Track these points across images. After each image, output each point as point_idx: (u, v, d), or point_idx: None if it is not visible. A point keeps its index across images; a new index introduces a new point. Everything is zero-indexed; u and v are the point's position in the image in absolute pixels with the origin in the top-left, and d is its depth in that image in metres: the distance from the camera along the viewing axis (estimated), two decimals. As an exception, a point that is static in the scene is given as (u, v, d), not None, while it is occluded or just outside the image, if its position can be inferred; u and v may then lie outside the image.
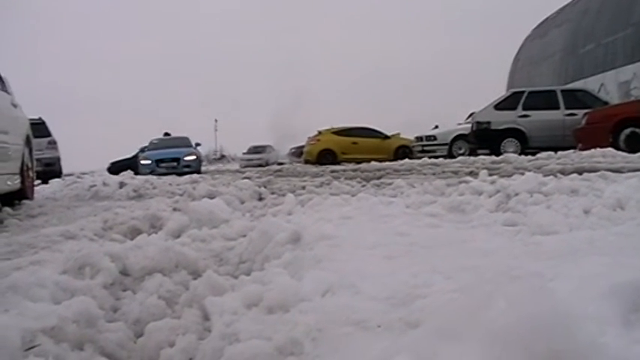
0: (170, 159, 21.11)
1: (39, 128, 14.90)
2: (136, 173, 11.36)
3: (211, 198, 5.38)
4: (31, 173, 7.74)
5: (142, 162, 21.24)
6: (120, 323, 2.05)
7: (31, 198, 7.46)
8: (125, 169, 12.87)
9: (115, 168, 21.08)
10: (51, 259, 2.85)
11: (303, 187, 7.36)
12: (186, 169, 19.86)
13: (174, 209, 5.31)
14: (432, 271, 1.87)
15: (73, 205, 6.84)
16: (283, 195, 6.34)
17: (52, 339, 1.72)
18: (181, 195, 7.16)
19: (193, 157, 21.61)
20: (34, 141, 8.31)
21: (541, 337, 0.99)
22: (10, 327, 1.60)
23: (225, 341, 1.51)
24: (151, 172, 18.91)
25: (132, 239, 3.66)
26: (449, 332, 1.23)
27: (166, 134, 24.78)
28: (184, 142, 23.23)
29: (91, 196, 8.46)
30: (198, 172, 19.85)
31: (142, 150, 25.39)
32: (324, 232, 2.77)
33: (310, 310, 1.50)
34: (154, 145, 23.22)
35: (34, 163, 8.25)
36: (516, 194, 4.19)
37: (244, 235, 3.43)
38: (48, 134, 17.41)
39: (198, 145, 24.04)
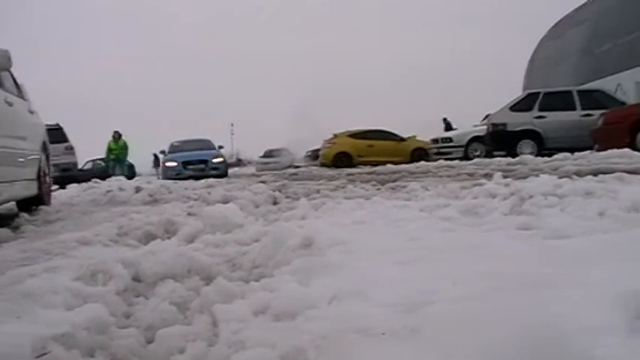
0: (198, 161, 20.32)
1: (56, 134, 15.12)
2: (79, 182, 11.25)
3: (226, 202, 5.39)
4: (47, 179, 7.82)
5: (167, 164, 20.57)
6: (132, 329, 2.05)
7: (48, 204, 7.53)
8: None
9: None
10: (65, 265, 2.87)
11: (318, 191, 7.37)
12: (214, 172, 19.25)
13: (189, 214, 5.34)
14: (442, 276, 1.85)
15: (90, 211, 6.90)
16: (298, 199, 6.35)
17: (63, 346, 1.73)
18: (196, 200, 7.19)
19: (221, 160, 20.98)
20: (51, 146, 8.41)
21: (534, 353, 0.99)
22: (21, 334, 1.62)
23: (231, 349, 1.51)
24: (177, 175, 18.52)
25: (146, 244, 3.69)
26: (445, 342, 1.24)
27: (116, 133, 21.56)
28: (208, 145, 22.60)
29: (107, 201, 8.55)
30: (226, 175, 19.20)
31: (103, 160, 24.01)
32: (337, 237, 2.76)
33: (316, 317, 1.49)
34: (176, 148, 22.31)
35: (51, 168, 8.34)
36: (530, 197, 4.15)
37: (258, 240, 3.42)
38: (65, 140, 17.65)
39: (220, 147, 23.36)
